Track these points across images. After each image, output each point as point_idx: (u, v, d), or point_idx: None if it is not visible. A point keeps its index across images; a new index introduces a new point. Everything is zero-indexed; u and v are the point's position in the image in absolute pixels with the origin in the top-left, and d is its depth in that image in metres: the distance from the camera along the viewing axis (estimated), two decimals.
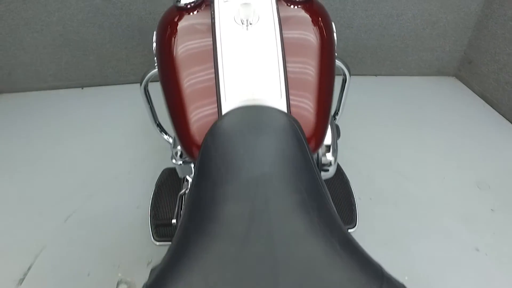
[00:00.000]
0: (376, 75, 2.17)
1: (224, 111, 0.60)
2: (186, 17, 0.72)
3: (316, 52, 0.67)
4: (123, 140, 1.76)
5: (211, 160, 0.50)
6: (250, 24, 0.67)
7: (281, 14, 0.70)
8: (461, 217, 1.42)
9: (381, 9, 1.92)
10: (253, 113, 0.58)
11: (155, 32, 0.77)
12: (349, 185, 1.33)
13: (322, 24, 0.71)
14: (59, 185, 1.55)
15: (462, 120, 1.89)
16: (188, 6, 0.72)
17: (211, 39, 0.66)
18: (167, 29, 0.72)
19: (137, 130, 1.81)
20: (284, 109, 0.61)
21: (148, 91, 0.92)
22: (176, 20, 0.72)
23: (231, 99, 0.61)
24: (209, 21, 0.70)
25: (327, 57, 0.69)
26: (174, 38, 0.69)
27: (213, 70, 0.63)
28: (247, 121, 0.56)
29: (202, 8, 0.73)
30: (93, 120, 1.89)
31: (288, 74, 0.64)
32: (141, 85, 0.91)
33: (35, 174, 1.61)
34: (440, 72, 2.18)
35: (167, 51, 0.69)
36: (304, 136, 0.59)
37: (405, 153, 1.70)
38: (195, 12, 0.72)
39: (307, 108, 0.63)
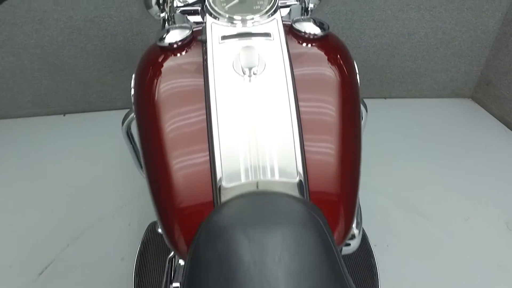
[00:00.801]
0: (385, 98, 2.00)
1: (221, 198, 0.45)
2: (171, 59, 0.57)
3: (340, 115, 0.51)
4: (108, 176, 1.58)
5: (206, 268, 0.38)
6: (254, 74, 0.51)
7: (293, 60, 0.54)
8: (491, 264, 1.23)
9: (390, 28, 1.76)
10: (260, 203, 0.43)
11: (133, 76, 0.61)
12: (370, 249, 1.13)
13: (345, 70, 0.55)
14: (34, 230, 1.36)
15: (482, 148, 1.71)
16: (175, 45, 0.57)
17: (204, 95, 0.51)
18: (148, 75, 0.56)
19: (124, 163, 1.62)
20: (302, 193, 0.45)
21: (131, 134, 0.77)
22: (159, 63, 0.56)
23: (231, 183, 0.46)
24: (201, 66, 0.54)
25: (353, 117, 0.53)
26: (157, 89, 0.53)
27: (206, 143, 0.48)
28: (252, 215, 0.41)
29: (192, 48, 0.58)
30: (76, 150, 1.71)
31: (306, 146, 0.47)
32: (122, 127, 0.75)
33: (6, 215, 1.42)
34: (455, 94, 2.01)
35: (148, 106, 0.54)
36: (329, 230, 0.42)
37: (421, 188, 1.51)
38: (183, 53, 0.57)
39: (331, 190, 0.46)
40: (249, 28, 0.58)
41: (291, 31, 0.60)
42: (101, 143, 1.75)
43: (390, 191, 1.49)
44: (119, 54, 1.74)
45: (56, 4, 1.58)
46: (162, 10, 0.80)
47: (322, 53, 0.57)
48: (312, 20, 0.61)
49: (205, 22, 0.60)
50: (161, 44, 0.57)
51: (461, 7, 1.73)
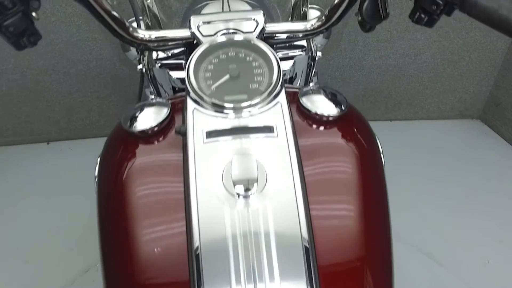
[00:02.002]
0: (391, 120, 1.89)
1: None
2: (143, 151, 0.45)
3: (365, 223, 0.41)
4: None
5: None
6: (251, 194, 0.38)
7: (304, 159, 0.42)
8: None
9: (396, 49, 1.66)
10: None
11: (98, 161, 0.48)
12: None
13: (369, 160, 0.45)
14: (9, 283, 1.22)
15: (496, 175, 1.61)
16: (149, 131, 0.45)
17: (184, 207, 0.39)
18: (114, 169, 0.45)
19: None
20: None
21: None
22: (128, 154, 0.45)
23: None
24: (181, 167, 0.42)
25: (382, 219, 0.44)
26: (124, 190, 0.42)
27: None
28: None
29: (169, 136, 0.46)
30: (61, 181, 1.58)
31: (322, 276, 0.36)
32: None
33: None
34: (463, 115, 1.91)
35: (112, 209, 0.43)
36: None
37: (432, 224, 1.39)
38: (157, 143, 0.45)
39: None
40: (244, 119, 0.44)
41: (299, 110, 0.48)
42: (88, 173, 1.61)
43: (396, 228, 1.38)
44: (105, 78, 1.61)
45: None
46: (140, 61, 0.67)
47: (340, 142, 0.46)
48: (322, 91, 0.49)
49: (185, 104, 0.46)
50: (130, 130, 0.45)
51: (469, 26, 1.64)
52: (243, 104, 0.44)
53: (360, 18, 0.55)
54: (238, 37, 0.50)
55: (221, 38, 0.50)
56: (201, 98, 0.44)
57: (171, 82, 0.62)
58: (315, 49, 0.65)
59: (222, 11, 0.60)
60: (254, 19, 0.54)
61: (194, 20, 0.54)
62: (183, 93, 0.48)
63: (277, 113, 0.44)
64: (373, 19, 0.54)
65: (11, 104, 1.65)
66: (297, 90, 0.50)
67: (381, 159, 0.49)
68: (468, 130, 1.88)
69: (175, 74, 0.61)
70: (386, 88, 1.78)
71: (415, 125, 1.89)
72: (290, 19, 0.70)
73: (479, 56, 1.72)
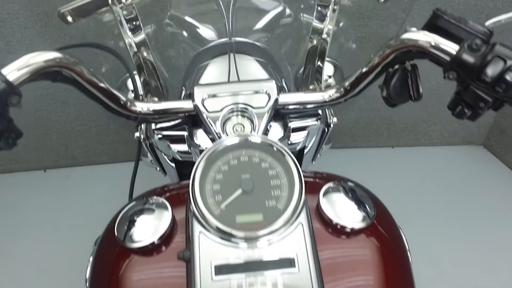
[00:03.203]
0: (393, 147, 1.87)
1: None
2: (139, 270, 0.40)
3: None
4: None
5: None
6: None
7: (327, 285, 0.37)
8: None
9: None
10: None
11: (90, 261, 0.45)
12: None
13: (399, 273, 0.40)
14: None
15: (499, 202, 1.58)
16: (148, 247, 0.40)
17: None
18: (106, 278, 0.41)
19: None
20: None
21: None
22: (122, 270, 0.40)
23: None
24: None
25: None
26: None
27: None
28: None
29: (168, 253, 0.40)
30: (58, 209, 1.54)
31: None
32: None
33: None
34: (466, 141, 1.88)
35: None
36: None
37: (438, 261, 1.36)
38: (154, 259, 0.40)
39: None
40: (260, 249, 0.37)
41: (319, 217, 0.41)
42: (86, 200, 1.58)
43: None
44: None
45: None
46: (137, 128, 0.63)
47: (365, 256, 0.40)
48: (342, 189, 0.43)
49: (190, 221, 0.39)
50: (126, 245, 0.40)
51: None
52: (259, 233, 0.37)
53: (385, 93, 0.51)
54: (254, 138, 0.44)
55: (231, 140, 0.43)
56: (208, 222, 0.38)
57: (173, 154, 0.58)
58: (331, 115, 0.62)
59: (229, 77, 0.57)
60: (265, 92, 0.50)
61: (198, 92, 0.51)
62: (187, 184, 0.41)
63: (298, 239, 0.38)
64: (401, 98, 0.50)
65: None
66: (314, 181, 0.45)
67: (410, 268, 0.44)
68: (471, 157, 1.85)
69: (177, 147, 0.57)
70: (389, 115, 1.76)
71: (418, 151, 1.86)
72: (303, 72, 0.66)
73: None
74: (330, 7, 0.57)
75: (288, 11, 0.69)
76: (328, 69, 0.70)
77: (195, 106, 0.51)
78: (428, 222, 1.50)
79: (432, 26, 0.43)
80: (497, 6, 1.46)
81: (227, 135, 0.49)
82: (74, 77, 0.44)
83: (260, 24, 0.69)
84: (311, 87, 0.65)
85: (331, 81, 0.72)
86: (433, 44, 0.42)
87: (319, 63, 0.63)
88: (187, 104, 0.51)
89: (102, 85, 0.47)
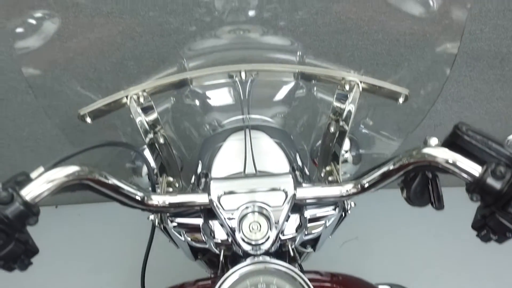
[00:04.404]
0: None
1: None
2: None
3: None
4: (105, 278, 1.39)
5: None
6: None
7: None
8: None
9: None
10: None
11: None
12: None
13: None
14: None
15: None
16: None
17: None
18: None
19: (124, 263, 1.43)
20: None
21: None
22: None
23: None
24: None
25: None
26: None
27: None
28: None
29: None
30: (69, 246, 1.55)
31: None
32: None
33: None
34: None
35: None
36: None
37: None
38: None
39: None
40: None
41: None
42: (97, 238, 1.58)
43: None
44: (117, 148, 1.60)
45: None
46: (150, 210, 0.63)
47: None
48: None
49: None
50: None
51: (491, 97, 1.60)
52: None
53: (405, 194, 0.49)
54: (276, 266, 0.44)
55: (249, 267, 0.44)
56: None
57: (187, 240, 0.57)
58: (348, 202, 0.61)
59: (244, 168, 0.56)
60: (282, 189, 0.50)
61: (215, 188, 0.50)
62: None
63: None
64: (421, 202, 0.48)
65: (23, 169, 1.64)
66: None
67: None
68: None
69: (192, 236, 0.56)
70: None
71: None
72: (320, 147, 0.65)
73: (502, 126, 1.67)
74: (352, 93, 0.57)
75: (307, 91, 0.68)
76: (344, 143, 0.69)
77: (211, 201, 0.50)
78: (443, 256, 1.45)
79: (453, 143, 0.42)
80: None
81: (243, 233, 0.48)
82: (92, 185, 0.44)
83: (277, 103, 0.69)
84: (327, 168, 0.63)
85: (348, 155, 0.71)
86: (453, 163, 0.41)
87: (337, 142, 0.62)
88: (203, 198, 0.51)
89: (119, 184, 0.47)
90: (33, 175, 0.42)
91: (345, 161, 0.71)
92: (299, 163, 0.66)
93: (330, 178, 0.63)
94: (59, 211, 1.74)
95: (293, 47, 0.67)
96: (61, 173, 0.41)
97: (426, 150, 0.44)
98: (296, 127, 0.71)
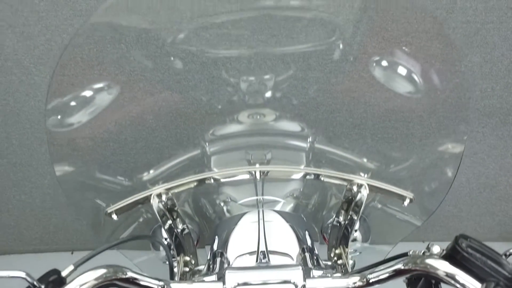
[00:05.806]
0: (423, 241, 1.79)
1: None
2: None
3: None
4: None
5: None
6: None
7: None
8: None
9: None
10: None
11: None
12: None
13: None
14: None
15: None
16: None
17: None
18: None
19: None
20: None
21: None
22: None
23: None
24: None
25: None
26: None
27: None
28: None
29: None
30: None
31: None
32: None
33: None
34: (503, 237, 1.79)
35: None
36: None
37: None
38: None
39: None
40: None
41: None
42: None
43: None
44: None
45: (73, 150, 1.53)
46: (171, 269, 0.65)
47: None
48: None
49: None
50: None
51: (505, 153, 1.59)
52: None
53: None
54: None
55: None
56: None
57: None
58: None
59: (257, 257, 0.58)
60: (293, 282, 0.52)
61: (230, 278, 0.53)
62: None
63: None
64: None
65: (42, 216, 1.69)
66: None
67: None
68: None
69: None
70: None
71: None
72: (330, 228, 0.67)
73: None
74: (359, 193, 0.60)
75: (317, 182, 0.72)
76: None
77: None
78: None
79: (453, 257, 0.44)
80: None
81: None
82: (118, 283, 0.48)
83: (289, 192, 0.72)
84: (337, 251, 0.65)
85: (357, 235, 0.73)
86: (453, 277, 0.43)
87: (345, 228, 0.64)
88: (217, 286, 0.53)
89: (139, 278, 0.50)
90: (64, 273, 0.46)
91: (355, 239, 0.73)
92: (309, 243, 0.68)
93: (339, 262, 0.64)
94: (75, 257, 1.77)
95: (305, 132, 0.71)
96: (91, 276, 0.45)
97: (428, 261, 0.46)
98: (307, 208, 0.74)
